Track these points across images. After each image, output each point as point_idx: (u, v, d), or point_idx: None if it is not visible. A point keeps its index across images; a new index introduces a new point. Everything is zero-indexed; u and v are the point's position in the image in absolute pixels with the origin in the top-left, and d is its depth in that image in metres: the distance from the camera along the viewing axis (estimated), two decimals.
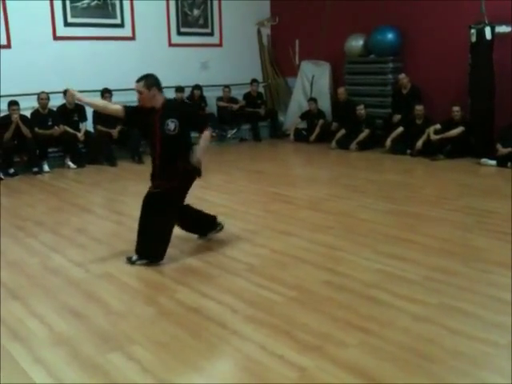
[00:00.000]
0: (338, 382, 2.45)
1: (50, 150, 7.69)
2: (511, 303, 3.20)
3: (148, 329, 2.97)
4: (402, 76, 8.46)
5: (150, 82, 3.81)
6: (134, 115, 4.02)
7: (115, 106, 4.13)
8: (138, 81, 3.83)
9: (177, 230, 4.16)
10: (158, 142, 3.82)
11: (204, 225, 4.38)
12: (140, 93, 3.82)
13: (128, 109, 4.02)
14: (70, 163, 7.70)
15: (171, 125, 3.78)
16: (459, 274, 3.67)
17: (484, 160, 7.19)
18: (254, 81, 10.11)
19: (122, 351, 2.72)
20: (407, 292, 3.35)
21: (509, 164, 6.94)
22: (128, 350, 2.74)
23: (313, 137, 9.28)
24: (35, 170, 7.29)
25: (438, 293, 3.36)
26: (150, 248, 3.89)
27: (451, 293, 3.36)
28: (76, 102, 4.01)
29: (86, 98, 4.19)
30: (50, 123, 7.65)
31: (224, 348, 2.78)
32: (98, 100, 4.06)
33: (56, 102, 7.89)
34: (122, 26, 8.92)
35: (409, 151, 7.96)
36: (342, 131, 8.79)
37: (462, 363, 2.59)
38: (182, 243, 4.36)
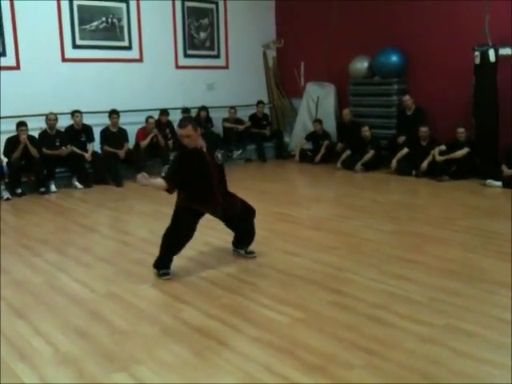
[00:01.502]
0: None
1: (57, 170, 7.76)
2: None
3: (152, 348, 2.97)
4: (407, 98, 8.52)
5: (194, 123, 4.03)
6: (175, 176, 4.07)
7: (158, 181, 4.17)
8: (184, 126, 3.96)
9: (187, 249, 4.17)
10: (215, 173, 4.13)
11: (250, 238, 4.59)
12: (188, 136, 3.97)
13: (167, 177, 4.09)
14: (77, 183, 7.76)
15: (220, 156, 4.17)
16: (464, 294, 3.65)
17: (489, 181, 7.19)
18: (259, 102, 10.20)
19: (127, 371, 2.72)
20: (412, 313, 3.34)
21: None
22: (132, 369, 2.74)
23: (318, 157, 9.32)
24: (42, 189, 7.35)
25: (443, 314, 3.34)
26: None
27: (456, 314, 3.35)
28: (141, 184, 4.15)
29: (150, 181, 4.16)
30: (57, 144, 7.74)
31: (228, 368, 2.77)
32: (156, 180, 4.18)
33: (64, 122, 8.00)
34: (129, 48, 9.06)
35: (414, 172, 7.98)
36: (347, 152, 8.83)
37: None
38: (185, 263, 4.37)
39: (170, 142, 8.77)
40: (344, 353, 2.87)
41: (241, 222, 4.37)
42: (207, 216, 4.33)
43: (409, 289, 3.73)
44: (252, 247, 4.64)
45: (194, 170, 4.02)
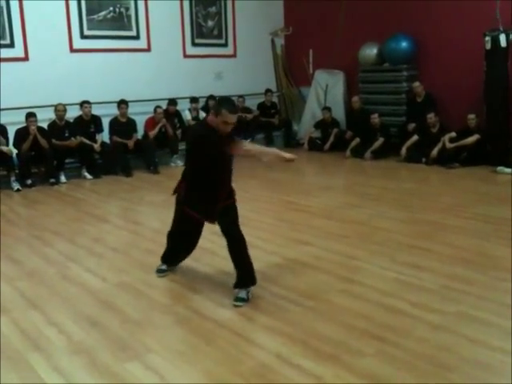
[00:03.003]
0: None
1: (66, 161, 7.79)
2: None
3: (165, 337, 2.99)
4: (417, 84, 8.44)
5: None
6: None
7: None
8: (236, 112, 3.34)
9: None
10: (230, 163, 3.54)
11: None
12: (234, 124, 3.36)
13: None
14: (87, 174, 7.79)
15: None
16: (476, 282, 3.64)
17: (500, 168, 7.13)
18: (268, 91, 10.16)
19: (139, 360, 2.74)
20: (424, 301, 3.33)
21: None
22: (145, 358, 2.76)
23: (327, 146, 9.28)
24: (52, 180, 7.38)
25: (456, 301, 3.33)
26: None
27: (469, 301, 3.33)
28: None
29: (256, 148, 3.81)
30: (66, 134, 7.75)
31: (240, 356, 2.78)
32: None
33: (73, 113, 8.01)
34: (137, 37, 9.03)
35: (424, 159, 7.93)
36: (357, 140, 8.78)
37: (481, 372, 2.57)
38: (197, 253, 4.38)
39: (179, 132, 8.77)
40: (356, 341, 2.87)
41: (227, 242, 3.52)
42: None
43: (421, 277, 3.72)
44: (260, 235, 4.61)
45: (213, 158, 3.37)
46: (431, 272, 3.82)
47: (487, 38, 7.36)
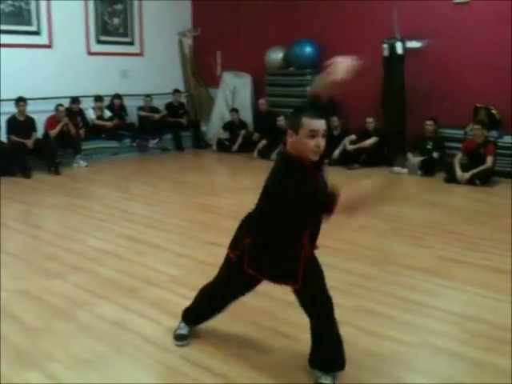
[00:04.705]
0: None
1: None
2: (422, 304, 3.41)
3: (68, 345, 2.90)
4: None
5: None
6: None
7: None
8: (321, 116, 2.33)
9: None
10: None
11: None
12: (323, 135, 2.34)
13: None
14: None
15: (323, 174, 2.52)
16: (374, 277, 3.86)
17: (396, 168, 7.59)
18: (176, 91, 10.09)
19: (40, 369, 2.64)
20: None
21: (419, 172, 7.38)
22: (46, 367, 2.66)
23: (235, 147, 9.38)
24: None
25: (354, 296, 3.52)
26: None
27: (367, 296, 3.53)
28: None
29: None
30: None
31: (148, 361, 2.76)
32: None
33: None
34: (38, 33, 8.63)
35: (327, 161, 8.22)
36: (264, 141, 8.96)
37: (377, 363, 2.73)
38: (100, 256, 4.28)
39: (82, 131, 8.51)
40: (261, 338, 2.96)
41: (308, 313, 2.60)
42: (125, 208, 4.22)
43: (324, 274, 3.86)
44: (171, 237, 4.59)
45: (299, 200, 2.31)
46: (333, 268, 3.95)
47: (385, 46, 7.79)
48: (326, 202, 2.26)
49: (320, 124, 2.30)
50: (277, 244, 2.49)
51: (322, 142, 2.31)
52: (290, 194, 2.30)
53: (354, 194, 2.33)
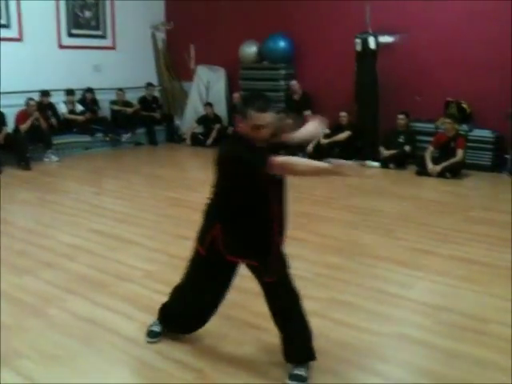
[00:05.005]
0: (233, 382, 2.52)
1: None
2: (393, 295, 3.47)
3: (38, 342, 2.86)
4: (293, 82, 8.79)
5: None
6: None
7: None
8: (266, 110, 2.41)
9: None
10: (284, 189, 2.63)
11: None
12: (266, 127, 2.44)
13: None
14: None
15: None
16: (347, 269, 3.90)
17: (369, 162, 7.67)
18: (149, 84, 9.99)
19: (10, 366, 2.60)
20: (299, 288, 3.48)
21: (391, 165, 7.47)
22: (16, 364, 2.63)
23: (209, 141, 9.34)
24: None
25: (327, 288, 3.55)
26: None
27: (340, 287, 3.57)
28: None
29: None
30: None
31: (120, 356, 2.74)
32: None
33: None
34: (7, 26, 8.42)
35: (301, 154, 8.27)
36: None
37: (350, 354, 2.77)
38: (72, 252, 4.23)
39: (54, 121, 8.40)
40: (234, 331, 2.97)
41: (275, 306, 2.65)
42: (97, 203, 4.16)
43: (297, 266, 3.85)
44: (144, 232, 4.55)
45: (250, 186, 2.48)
46: (305, 261, 4.02)
47: (358, 40, 7.83)
48: (262, 156, 2.35)
49: (265, 117, 2.40)
50: (245, 222, 2.52)
51: (266, 134, 2.42)
52: (236, 159, 2.43)
53: (295, 159, 2.44)
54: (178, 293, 2.82)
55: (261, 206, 2.51)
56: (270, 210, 2.52)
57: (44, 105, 8.37)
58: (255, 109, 2.39)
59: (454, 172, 6.93)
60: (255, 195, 2.48)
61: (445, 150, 7.06)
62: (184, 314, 2.82)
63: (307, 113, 8.28)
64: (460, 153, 6.96)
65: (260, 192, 2.48)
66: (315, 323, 3.02)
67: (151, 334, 2.87)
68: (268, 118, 2.41)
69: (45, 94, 8.44)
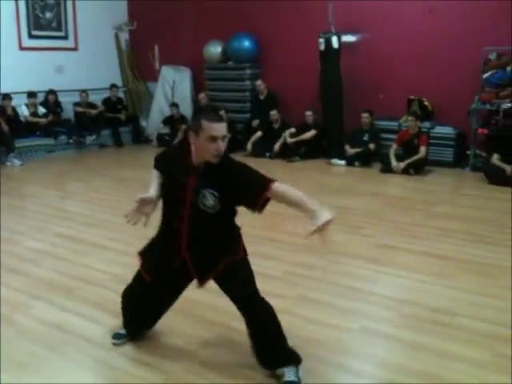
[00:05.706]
0: (202, 382, 2.52)
1: None
2: (361, 290, 3.52)
3: (5, 350, 2.79)
4: (259, 82, 8.81)
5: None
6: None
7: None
8: (221, 120, 2.36)
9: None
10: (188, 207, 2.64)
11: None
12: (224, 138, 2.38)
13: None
14: None
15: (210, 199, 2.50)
16: (316, 267, 3.94)
17: (334, 160, 7.76)
18: (113, 86, 9.88)
19: None
20: (269, 287, 3.44)
21: (356, 163, 7.57)
22: None
23: (176, 142, 9.28)
24: None
25: (297, 286, 3.58)
26: None
27: (309, 285, 3.60)
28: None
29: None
30: None
31: (89, 362, 2.71)
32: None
33: None
34: None
35: (268, 154, 8.32)
36: None
37: (319, 350, 2.79)
38: (37, 257, 4.16)
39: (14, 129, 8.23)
40: (203, 331, 2.97)
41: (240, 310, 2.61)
42: (62, 206, 4.09)
43: (267, 265, 3.90)
44: (111, 235, 4.49)
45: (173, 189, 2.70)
46: (277, 260, 4.04)
47: (321, 40, 7.91)
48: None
49: (220, 128, 2.33)
50: (211, 224, 2.57)
51: (222, 146, 2.35)
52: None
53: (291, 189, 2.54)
54: (130, 292, 2.89)
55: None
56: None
57: (5, 108, 8.18)
58: (210, 119, 2.31)
59: (417, 168, 7.07)
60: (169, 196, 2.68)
61: (408, 147, 7.19)
62: (138, 312, 2.85)
63: (273, 112, 8.33)
64: (423, 150, 7.10)
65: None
66: (285, 321, 3.05)
67: (115, 336, 2.88)
68: (224, 129, 2.34)
69: (6, 97, 8.25)
